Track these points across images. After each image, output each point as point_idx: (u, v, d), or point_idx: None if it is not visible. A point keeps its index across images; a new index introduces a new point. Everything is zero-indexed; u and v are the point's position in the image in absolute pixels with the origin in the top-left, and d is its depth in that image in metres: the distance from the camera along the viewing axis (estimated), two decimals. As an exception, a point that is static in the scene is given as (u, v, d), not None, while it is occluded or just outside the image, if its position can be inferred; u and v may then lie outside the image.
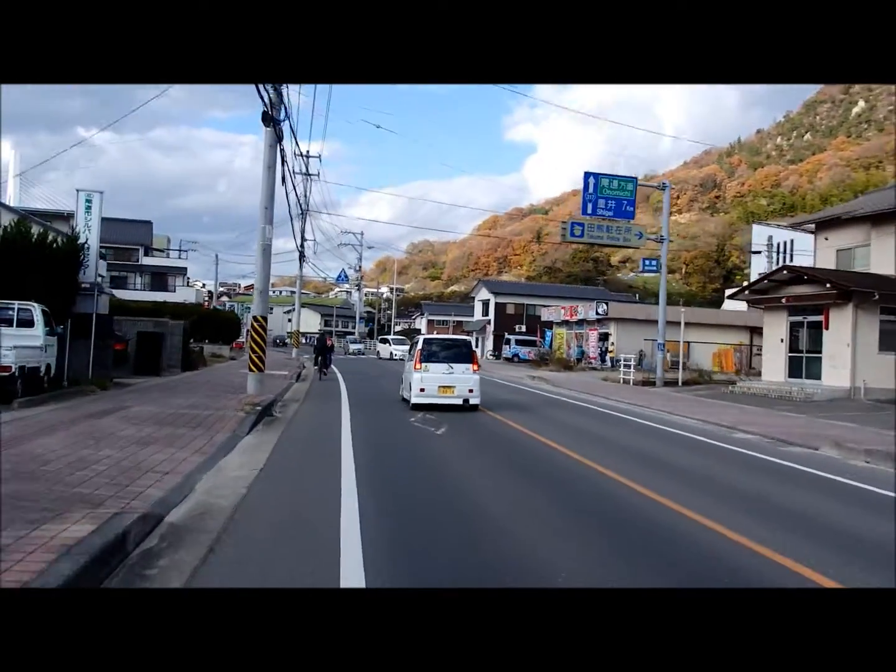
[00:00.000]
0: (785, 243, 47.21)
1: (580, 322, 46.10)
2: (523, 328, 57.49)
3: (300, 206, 34.22)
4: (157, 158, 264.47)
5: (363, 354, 49.54)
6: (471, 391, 15.49)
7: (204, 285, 67.67)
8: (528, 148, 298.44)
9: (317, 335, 33.83)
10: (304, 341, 71.78)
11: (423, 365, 15.52)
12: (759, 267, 46.79)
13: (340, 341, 65.10)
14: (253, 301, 19.33)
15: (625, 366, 30.08)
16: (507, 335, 56.65)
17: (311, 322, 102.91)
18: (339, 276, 40.68)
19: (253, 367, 16.96)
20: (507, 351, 54.32)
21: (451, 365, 15.53)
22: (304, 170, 34.31)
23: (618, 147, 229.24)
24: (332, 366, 28.68)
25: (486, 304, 66.15)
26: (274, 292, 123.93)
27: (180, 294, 53.88)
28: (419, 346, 16.13)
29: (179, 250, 64.20)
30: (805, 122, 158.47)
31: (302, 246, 37.00)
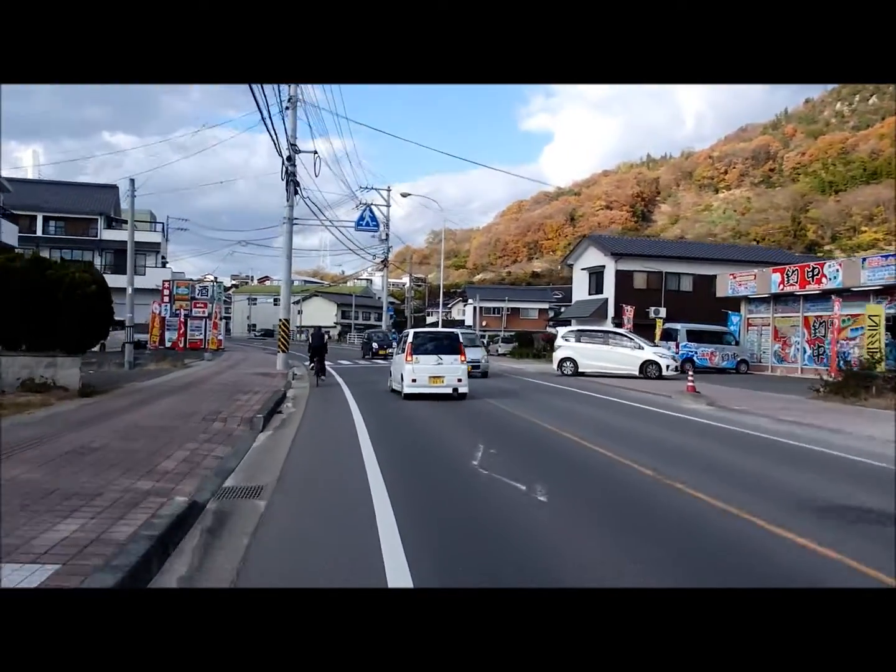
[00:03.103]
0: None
1: (820, 296, 26.66)
2: (661, 311, 34.31)
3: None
4: (177, 159, 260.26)
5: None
6: (459, 381, 16.13)
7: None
8: (544, 137, 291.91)
9: (311, 330, 26.73)
10: (303, 338, 59.32)
11: (414, 357, 15.99)
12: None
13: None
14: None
15: None
16: (660, 325, 31.82)
17: (326, 314, 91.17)
18: (360, 219, 26.66)
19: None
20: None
21: (441, 356, 16.13)
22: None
23: (636, 133, 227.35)
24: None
25: (597, 274, 39.28)
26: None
27: (151, 277, 41.89)
28: (409, 339, 16.55)
29: (153, 222, 51.77)
30: (868, 85, 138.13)
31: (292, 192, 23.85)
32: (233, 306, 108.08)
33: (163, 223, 50.39)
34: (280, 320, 24.99)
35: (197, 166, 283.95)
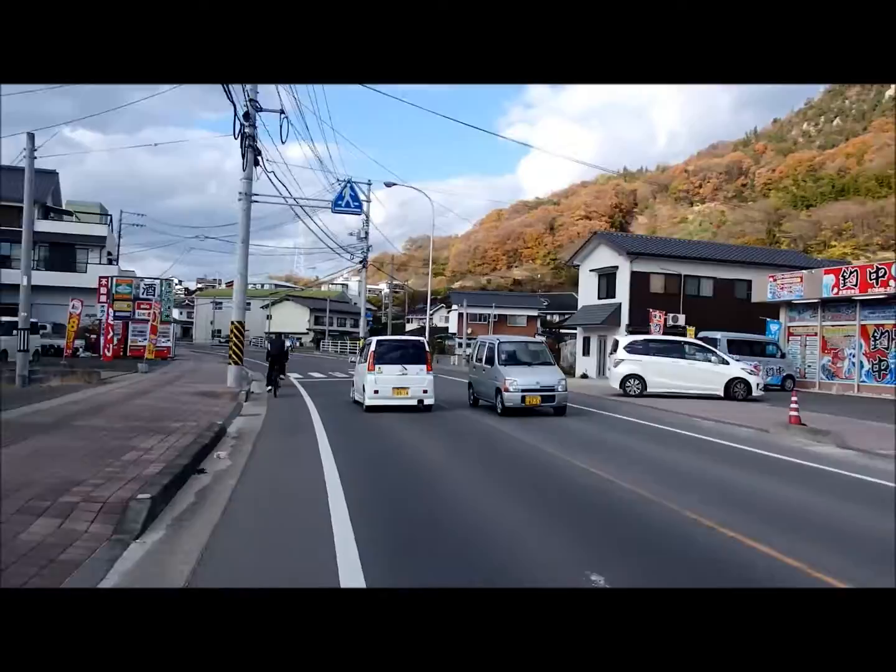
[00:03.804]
0: None
1: (882, 302, 22.31)
2: (680, 318, 29.06)
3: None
4: (147, 159, 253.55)
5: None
6: (425, 392, 15.30)
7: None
8: (522, 148, 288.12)
9: (272, 336, 24.86)
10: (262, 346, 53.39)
11: (377, 367, 15.12)
12: None
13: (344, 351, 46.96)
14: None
15: None
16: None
17: (298, 319, 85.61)
18: (339, 198, 21.76)
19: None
20: None
21: (405, 366, 15.26)
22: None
23: (612, 147, 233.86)
24: None
25: (608, 276, 33.33)
26: (255, 285, 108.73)
27: (92, 275, 35.84)
28: (372, 347, 15.66)
29: (102, 214, 45.72)
30: (833, 107, 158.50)
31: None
32: (196, 310, 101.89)
33: (110, 215, 44.62)
34: (232, 323, 19.73)
35: (168, 166, 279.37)
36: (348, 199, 21.83)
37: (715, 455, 10.50)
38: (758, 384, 19.91)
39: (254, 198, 20.17)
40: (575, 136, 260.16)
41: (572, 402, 16.72)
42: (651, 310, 27.16)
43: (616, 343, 21.30)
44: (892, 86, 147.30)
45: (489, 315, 63.89)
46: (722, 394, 19.63)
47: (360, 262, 43.50)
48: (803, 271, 25.29)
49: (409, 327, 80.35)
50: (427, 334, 42.93)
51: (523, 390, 14.63)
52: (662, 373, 20.02)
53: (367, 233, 42.22)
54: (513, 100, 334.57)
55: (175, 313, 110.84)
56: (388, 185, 40.14)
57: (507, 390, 14.62)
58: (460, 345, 59.06)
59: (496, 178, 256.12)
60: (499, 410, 14.83)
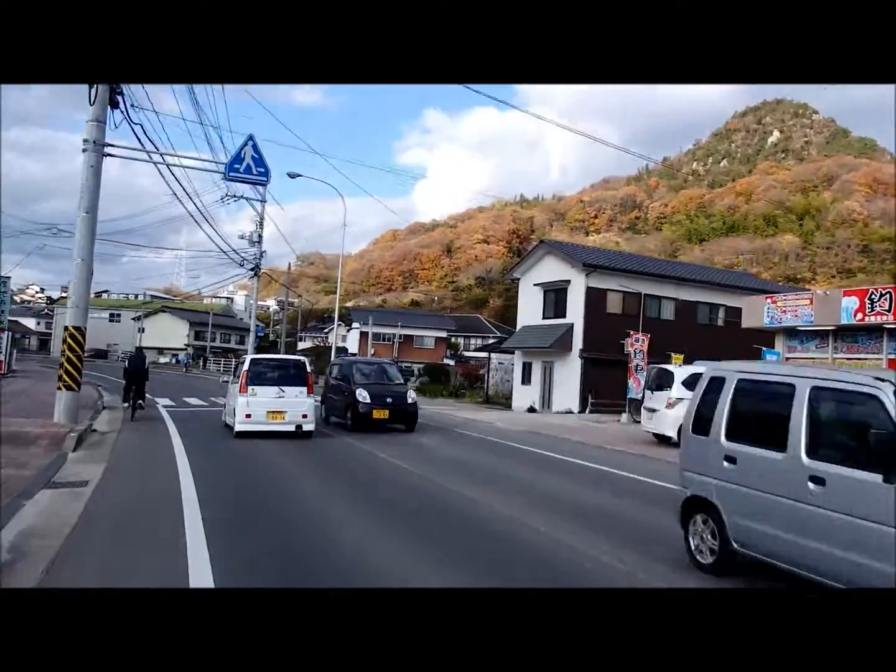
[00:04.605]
0: None
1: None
2: (642, 339, 22.86)
3: None
4: (11, 159, 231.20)
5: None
6: (304, 416, 14.06)
7: None
8: (418, 172, 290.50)
9: (131, 353, 20.55)
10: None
11: (250, 388, 13.76)
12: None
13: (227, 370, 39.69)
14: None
15: None
16: (677, 363, 20.84)
17: (175, 334, 76.24)
18: (236, 160, 16.34)
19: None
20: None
21: (283, 388, 13.95)
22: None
23: (507, 176, 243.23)
24: None
25: (556, 292, 28.03)
26: (127, 295, 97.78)
27: None
28: (245, 366, 14.31)
29: None
30: (720, 149, 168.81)
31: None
32: (55, 321, 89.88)
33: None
34: (67, 330, 12.85)
35: (44, 169, 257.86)
36: (249, 162, 15.51)
37: None
38: None
39: (108, 150, 13.62)
40: (471, 163, 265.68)
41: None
42: (632, 332, 22.09)
43: (661, 375, 16.28)
44: (775, 132, 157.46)
45: (394, 335, 58.20)
46: None
47: (252, 269, 36.87)
48: (810, 292, 21.17)
49: (301, 346, 73.23)
50: (332, 354, 36.62)
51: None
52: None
53: (260, 236, 35.76)
54: (410, 124, 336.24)
55: (31, 323, 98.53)
56: (292, 175, 33.82)
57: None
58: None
59: (390, 200, 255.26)
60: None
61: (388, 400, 15.76)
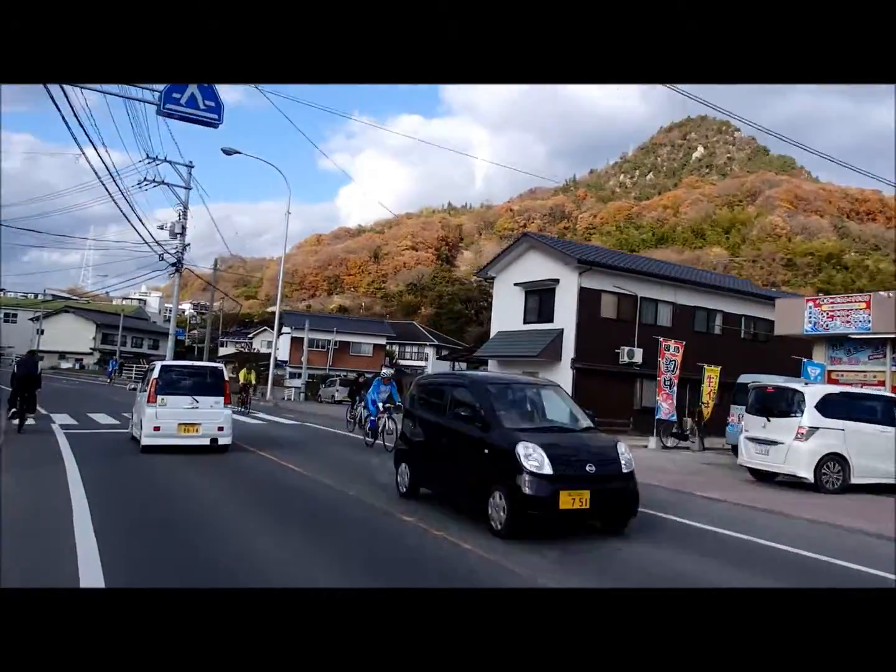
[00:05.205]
0: None
1: None
2: (674, 347, 18.35)
3: None
4: None
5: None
6: (220, 429, 12.65)
7: None
8: (342, 178, 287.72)
9: (20, 358, 17.41)
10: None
11: (160, 398, 12.43)
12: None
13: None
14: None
15: None
16: (713, 378, 18.97)
17: (79, 337, 69.07)
18: (176, 88, 12.00)
19: None
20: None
21: (197, 398, 12.59)
22: None
23: (434, 184, 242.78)
24: None
25: (541, 293, 24.16)
26: (26, 294, 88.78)
27: None
28: (155, 373, 12.77)
29: None
30: (647, 163, 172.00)
31: None
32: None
33: None
34: None
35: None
36: (195, 92, 11.03)
37: None
38: None
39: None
40: (396, 170, 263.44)
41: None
42: (662, 339, 18.32)
43: (778, 396, 12.76)
44: (700, 147, 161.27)
45: (329, 342, 53.47)
46: None
47: (173, 264, 31.66)
48: (866, 294, 18.06)
49: (223, 352, 67.56)
50: (272, 361, 31.87)
51: (558, 484, 7.57)
52: (875, 451, 11.75)
53: (184, 227, 30.63)
54: (335, 128, 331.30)
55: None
56: (228, 152, 29.06)
57: (523, 477, 7.51)
58: (292, 375, 48.60)
59: (313, 205, 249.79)
60: (498, 527, 7.54)
61: (589, 468, 7.31)
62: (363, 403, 16.92)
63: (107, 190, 25.69)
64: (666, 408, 16.78)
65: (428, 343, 68.48)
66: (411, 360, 68.31)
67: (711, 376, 17.59)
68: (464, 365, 32.06)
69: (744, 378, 16.57)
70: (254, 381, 25.42)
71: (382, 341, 58.89)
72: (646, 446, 17.12)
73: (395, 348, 69.78)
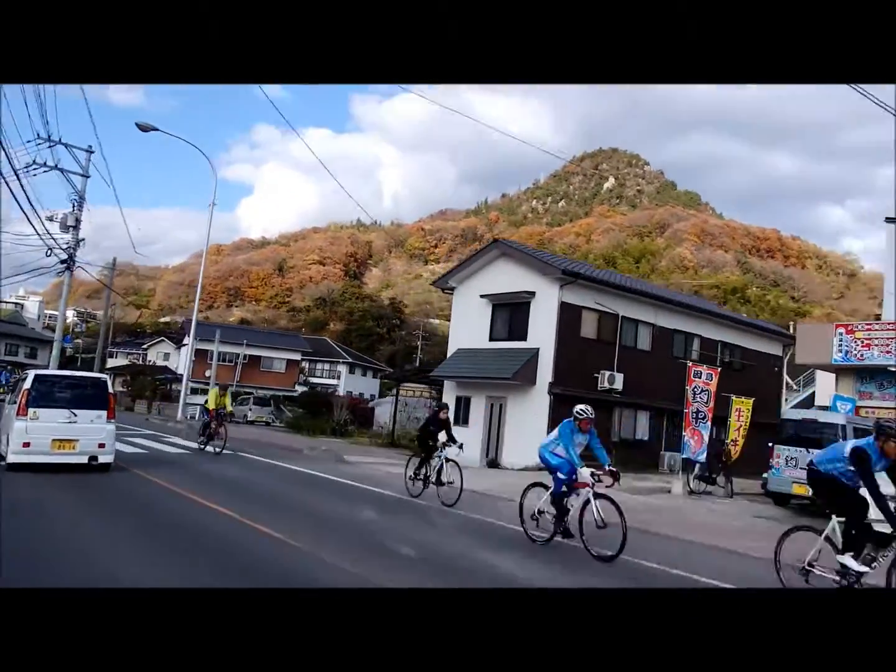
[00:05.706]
0: None
1: None
2: (706, 373, 15.16)
3: None
4: None
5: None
6: (101, 446, 11.79)
7: None
8: (244, 189, 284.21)
9: None
10: None
11: (32, 410, 11.42)
12: None
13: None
14: None
15: None
16: (744, 410, 16.17)
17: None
18: None
19: None
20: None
21: (75, 411, 11.61)
22: None
23: (340, 199, 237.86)
24: None
25: (512, 306, 21.14)
26: None
27: None
28: (27, 384, 11.76)
29: None
30: (559, 190, 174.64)
31: None
32: None
33: None
34: None
35: None
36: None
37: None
38: None
39: None
40: (302, 183, 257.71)
41: None
42: (691, 363, 15.20)
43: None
44: (611, 178, 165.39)
45: (237, 355, 48.52)
46: None
47: (63, 262, 26.80)
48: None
49: (112, 363, 61.12)
50: (186, 374, 27.21)
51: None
52: None
53: (78, 220, 26.02)
54: (237, 137, 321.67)
55: None
56: (144, 128, 24.73)
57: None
58: (195, 391, 43.24)
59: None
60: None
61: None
62: (438, 449, 11.85)
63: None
64: (693, 445, 13.87)
65: (341, 360, 64.20)
66: (322, 377, 63.84)
67: (742, 409, 14.91)
68: (425, 387, 28.06)
69: (790, 414, 14.04)
70: (230, 408, 17.83)
71: (297, 356, 54.45)
72: (669, 491, 14.05)
73: (306, 365, 65.20)
